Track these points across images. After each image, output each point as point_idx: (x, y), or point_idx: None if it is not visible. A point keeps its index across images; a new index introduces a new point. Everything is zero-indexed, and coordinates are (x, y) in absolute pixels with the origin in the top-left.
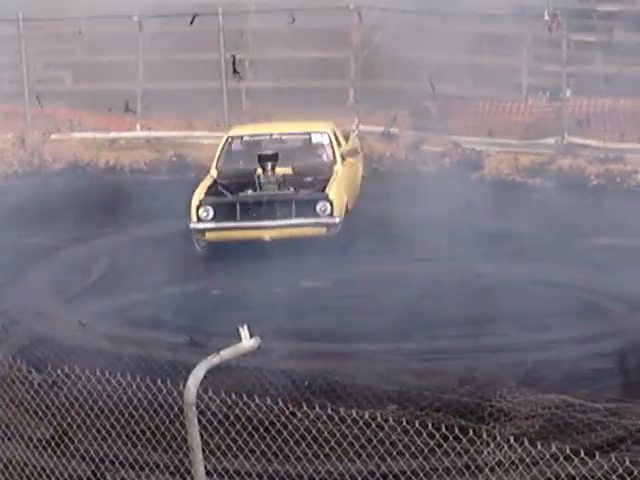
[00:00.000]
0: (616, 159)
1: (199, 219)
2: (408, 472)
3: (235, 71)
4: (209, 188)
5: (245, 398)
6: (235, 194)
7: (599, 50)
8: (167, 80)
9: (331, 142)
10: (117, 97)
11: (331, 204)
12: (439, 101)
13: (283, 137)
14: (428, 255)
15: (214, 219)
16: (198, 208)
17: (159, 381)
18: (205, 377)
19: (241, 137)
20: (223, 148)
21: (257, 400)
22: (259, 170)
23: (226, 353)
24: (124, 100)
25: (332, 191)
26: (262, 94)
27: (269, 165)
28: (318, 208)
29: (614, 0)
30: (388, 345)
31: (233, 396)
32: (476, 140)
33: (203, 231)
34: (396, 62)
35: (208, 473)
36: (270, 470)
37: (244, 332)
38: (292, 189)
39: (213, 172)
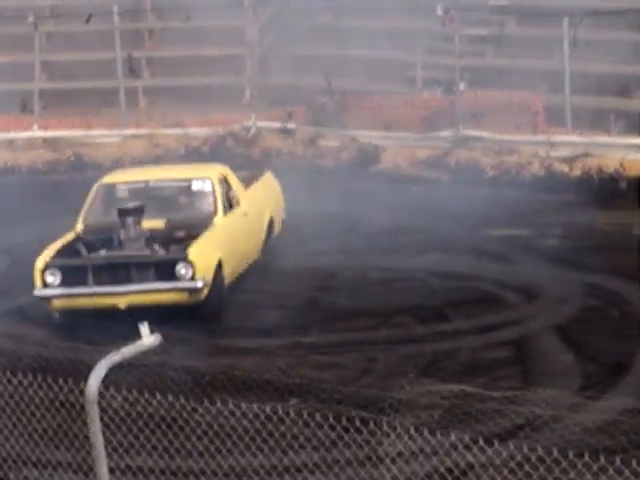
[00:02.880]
0: (510, 151)
1: (45, 284)
2: (310, 465)
3: (132, 70)
4: (63, 247)
5: (147, 395)
6: (91, 254)
7: (491, 44)
8: (64, 79)
9: (214, 190)
10: (15, 97)
11: (192, 265)
12: (335, 96)
13: (161, 185)
14: (325, 249)
15: (62, 284)
16: (43, 272)
17: (60, 380)
18: (107, 375)
19: (114, 186)
20: (93, 198)
21: (159, 397)
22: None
23: (127, 350)
24: (21, 100)
25: (195, 250)
26: (159, 92)
27: (130, 220)
28: (177, 271)
29: None
30: (288, 339)
31: (135, 393)
32: (373, 134)
33: (49, 298)
34: (291, 58)
35: (111, 470)
36: (173, 466)
37: (144, 329)
38: (157, 247)
39: (78, 226)
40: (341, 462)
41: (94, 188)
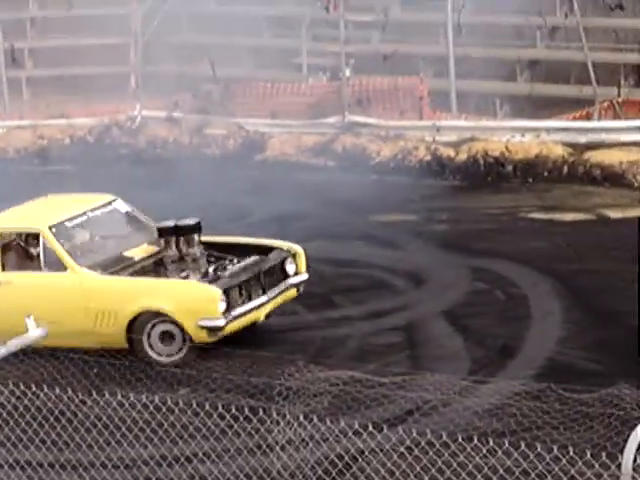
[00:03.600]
0: (397, 136)
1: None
2: (200, 454)
3: (14, 60)
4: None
5: (34, 388)
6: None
7: (376, 29)
8: None
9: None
10: None
11: (296, 260)
12: (221, 84)
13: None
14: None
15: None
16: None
17: None
18: None
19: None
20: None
21: (46, 389)
22: None
23: (13, 344)
24: None
25: (292, 245)
26: (42, 83)
27: (195, 237)
28: (287, 269)
29: None
30: None
31: (21, 386)
32: (259, 122)
33: (221, 327)
34: (176, 46)
35: None
36: (62, 459)
37: (30, 322)
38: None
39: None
40: (231, 451)
41: None
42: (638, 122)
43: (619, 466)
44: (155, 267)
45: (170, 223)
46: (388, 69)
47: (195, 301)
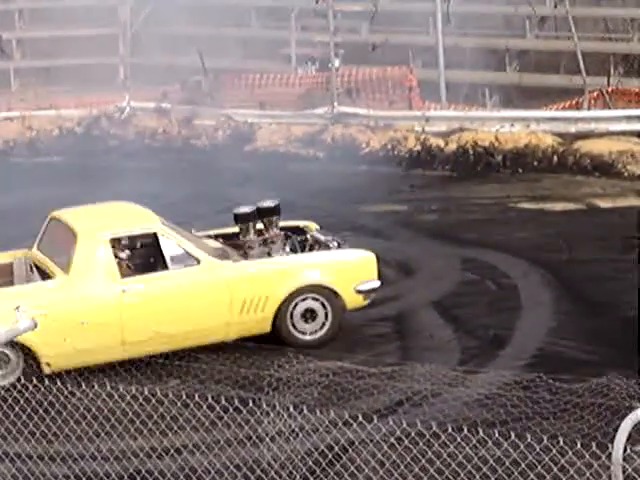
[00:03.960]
0: (386, 127)
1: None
2: (190, 446)
3: (2, 51)
4: None
5: (23, 380)
6: None
7: (365, 19)
8: None
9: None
10: None
11: None
12: (209, 75)
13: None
14: (203, 229)
15: None
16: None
17: None
18: None
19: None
20: None
21: (35, 381)
22: None
23: (3, 335)
24: None
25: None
26: (31, 74)
27: (274, 219)
28: None
29: None
30: None
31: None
32: (248, 112)
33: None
34: (165, 37)
35: None
36: (52, 451)
37: (19, 314)
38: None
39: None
40: (221, 442)
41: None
42: (627, 111)
43: (609, 456)
44: (241, 251)
45: (247, 208)
46: (377, 59)
47: (354, 267)
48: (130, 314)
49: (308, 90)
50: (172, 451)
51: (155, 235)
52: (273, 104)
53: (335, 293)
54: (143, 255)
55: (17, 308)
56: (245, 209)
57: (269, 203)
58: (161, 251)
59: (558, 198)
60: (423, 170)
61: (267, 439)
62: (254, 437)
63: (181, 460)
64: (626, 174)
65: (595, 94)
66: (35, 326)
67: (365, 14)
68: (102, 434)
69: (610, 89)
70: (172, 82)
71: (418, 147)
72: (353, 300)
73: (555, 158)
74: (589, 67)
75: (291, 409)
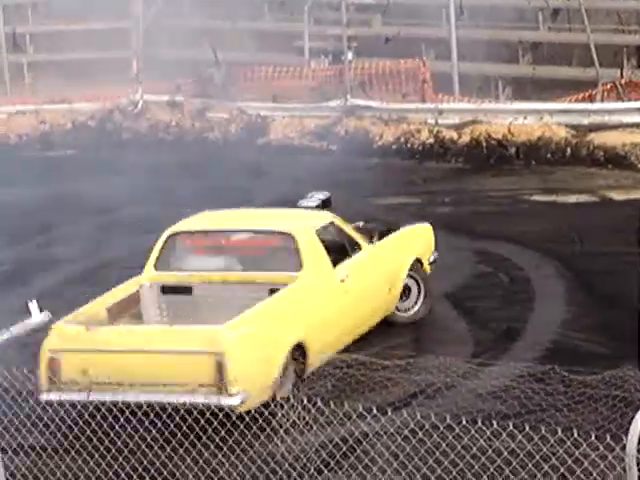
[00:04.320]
0: (399, 119)
1: None
2: (204, 438)
3: (16, 45)
4: None
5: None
6: None
7: (378, 12)
8: None
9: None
10: None
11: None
12: (222, 68)
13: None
14: None
15: None
16: None
17: None
18: None
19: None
20: None
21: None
22: None
23: (16, 329)
24: None
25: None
26: (44, 68)
27: None
28: None
29: None
30: None
31: (25, 372)
32: (261, 105)
33: None
34: (178, 30)
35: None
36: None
37: (33, 307)
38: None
39: None
40: (234, 435)
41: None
42: None
43: (623, 448)
44: None
45: (312, 202)
46: (390, 52)
47: (429, 240)
48: (349, 302)
49: (321, 83)
50: (187, 444)
51: (334, 225)
52: (286, 97)
53: (422, 265)
54: (330, 246)
55: (31, 302)
56: (312, 203)
57: (324, 195)
58: (343, 240)
59: (571, 190)
60: (436, 163)
61: (281, 431)
62: (268, 429)
63: (195, 453)
64: (639, 166)
65: (608, 86)
66: (49, 319)
67: (378, 7)
68: (116, 427)
69: (623, 81)
70: (185, 75)
71: (431, 140)
72: (426, 270)
73: (568, 150)
74: (602, 59)
75: (305, 401)
